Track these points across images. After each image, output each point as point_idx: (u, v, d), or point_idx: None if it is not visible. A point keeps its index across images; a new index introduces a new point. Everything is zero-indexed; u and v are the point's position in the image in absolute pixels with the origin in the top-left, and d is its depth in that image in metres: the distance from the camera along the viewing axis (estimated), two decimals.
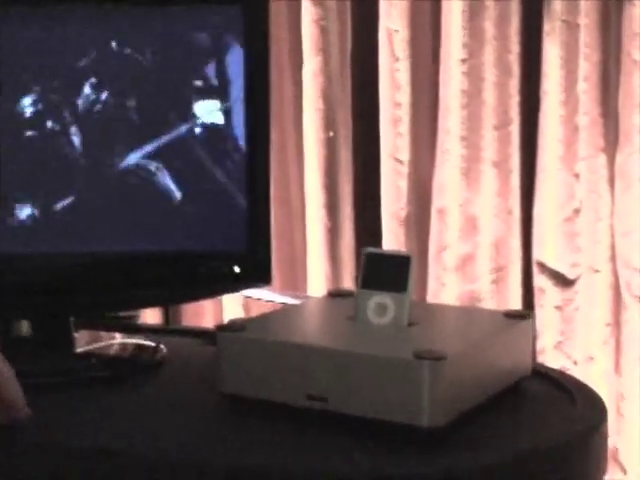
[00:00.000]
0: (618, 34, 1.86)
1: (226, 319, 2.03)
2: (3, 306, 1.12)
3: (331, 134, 2.00)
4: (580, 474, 0.88)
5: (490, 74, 1.93)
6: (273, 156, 1.21)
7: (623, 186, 1.88)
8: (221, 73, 1.15)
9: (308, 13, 1.97)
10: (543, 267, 1.96)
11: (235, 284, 1.20)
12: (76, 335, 1.17)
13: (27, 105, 1.09)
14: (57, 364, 1.10)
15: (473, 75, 1.92)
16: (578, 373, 1.84)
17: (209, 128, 1.14)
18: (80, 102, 1.10)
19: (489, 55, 1.92)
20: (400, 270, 0.97)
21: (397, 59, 1.97)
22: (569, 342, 1.96)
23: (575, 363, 1.96)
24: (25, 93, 1.09)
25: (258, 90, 1.18)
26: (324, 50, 1.98)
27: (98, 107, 1.10)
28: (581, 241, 1.94)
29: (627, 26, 1.83)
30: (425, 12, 1.99)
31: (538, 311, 1.95)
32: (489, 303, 1.97)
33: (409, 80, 1.97)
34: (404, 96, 1.97)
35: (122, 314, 1.31)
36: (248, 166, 1.17)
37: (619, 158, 1.87)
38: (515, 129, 1.95)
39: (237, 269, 1.17)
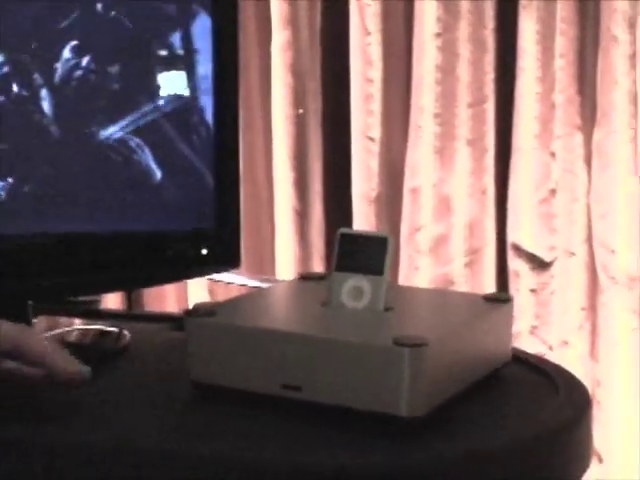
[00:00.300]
0: (596, 9, 1.85)
1: (190, 303, 2.00)
2: None
3: (301, 111, 1.98)
4: (565, 463, 0.86)
5: (465, 49, 1.91)
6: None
7: (600, 165, 1.87)
8: (187, 43, 1.12)
9: None
10: (518, 249, 1.95)
11: (202, 267, 1.18)
12: (35, 321, 1.14)
13: None
14: None
15: (447, 50, 1.91)
16: (553, 358, 1.83)
17: (176, 103, 1.11)
18: (58, 66, 1.06)
19: (464, 30, 1.91)
20: (377, 252, 0.95)
21: (369, 33, 1.95)
22: (545, 327, 1.96)
23: (550, 348, 1.96)
24: None
25: (226, 62, 1.15)
26: (293, 23, 1.96)
27: (77, 73, 1.07)
28: (557, 223, 1.93)
29: (606, 1, 1.82)
30: None
31: (513, 295, 1.94)
32: (463, 286, 1.96)
33: (381, 55, 1.95)
34: (376, 72, 1.96)
35: (83, 299, 1.28)
36: (216, 143, 1.14)
37: (597, 136, 1.86)
38: (490, 106, 1.94)
39: (205, 251, 1.14)
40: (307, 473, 0.76)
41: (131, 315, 1.36)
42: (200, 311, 0.90)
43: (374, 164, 1.98)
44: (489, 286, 1.97)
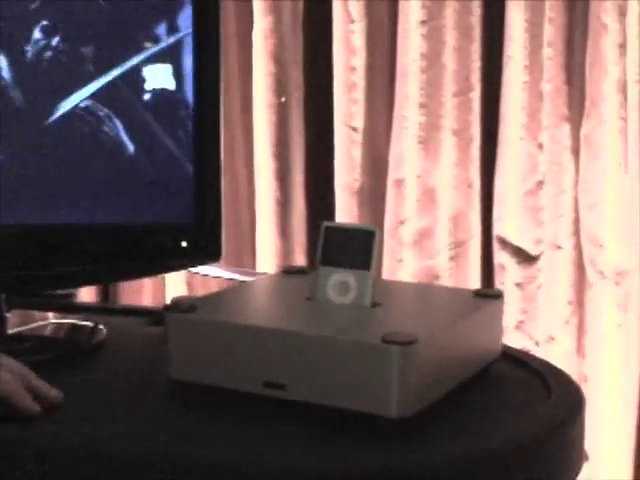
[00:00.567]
0: None
1: (168, 297, 1.98)
2: None
3: (283, 99, 1.96)
4: (558, 465, 0.85)
5: (451, 37, 1.89)
6: None
7: (589, 157, 1.85)
8: (171, 34, 1.10)
9: None
10: (504, 243, 1.93)
11: (182, 260, 1.16)
12: (8, 315, 1.12)
13: None
14: None
15: (433, 38, 1.88)
16: (539, 354, 1.82)
17: (158, 95, 1.09)
18: (29, 48, 1.03)
19: (450, 17, 1.88)
20: (363, 246, 0.93)
21: (352, 20, 1.92)
22: (531, 322, 1.94)
23: (537, 344, 1.94)
24: None
25: (208, 53, 1.14)
26: (275, 10, 1.93)
27: (47, 54, 1.04)
28: (544, 215, 1.91)
29: None
30: None
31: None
32: (447, 280, 1.94)
33: (365, 43, 1.93)
34: (359, 60, 1.93)
35: (58, 292, 1.26)
36: (197, 135, 1.13)
37: (585, 127, 1.85)
38: (476, 96, 1.92)
39: (184, 244, 1.12)
40: (290, 477, 0.74)
41: (107, 309, 1.34)
42: (180, 306, 0.88)
43: (357, 154, 1.96)
44: (474, 280, 1.95)
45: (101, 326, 1.14)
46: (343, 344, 0.80)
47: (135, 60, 1.09)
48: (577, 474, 0.88)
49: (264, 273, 1.75)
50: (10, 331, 1.11)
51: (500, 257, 1.94)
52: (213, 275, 1.58)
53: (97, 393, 0.92)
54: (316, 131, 2.02)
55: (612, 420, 1.87)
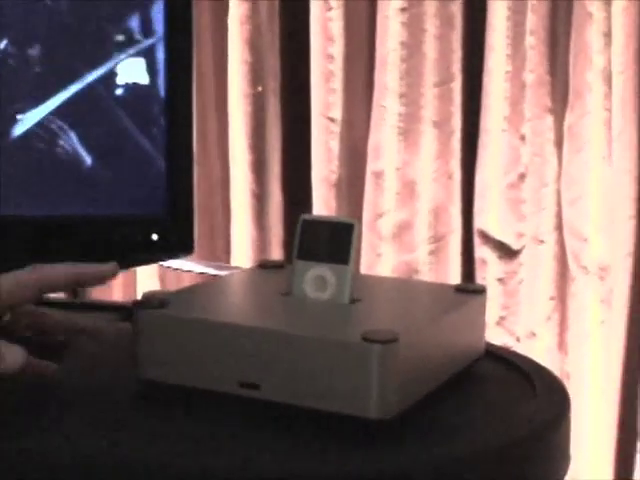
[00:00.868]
0: None
1: (140, 291, 1.95)
2: None
3: (259, 89, 1.94)
4: (544, 469, 0.83)
5: (431, 25, 1.87)
6: None
7: (572, 149, 1.84)
8: (144, 26, 1.07)
9: None
10: (485, 237, 1.92)
11: (153, 254, 1.13)
12: None
13: None
14: None
15: (413, 26, 1.86)
16: (521, 350, 1.80)
17: (127, 84, 1.07)
18: None
19: (430, 5, 1.87)
20: (341, 239, 0.90)
21: (330, 7, 1.90)
22: (512, 318, 1.93)
23: (518, 340, 1.93)
24: None
25: (180, 42, 1.11)
26: None
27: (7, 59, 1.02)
28: (526, 209, 1.90)
29: None
30: None
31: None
32: (427, 275, 1.93)
33: (343, 30, 1.91)
34: (337, 48, 1.91)
35: None
36: (168, 124, 1.10)
37: (569, 119, 1.83)
38: (457, 86, 1.90)
39: (155, 237, 1.10)
40: None
41: (74, 304, 1.31)
42: (150, 302, 0.85)
43: (335, 146, 1.94)
44: (454, 275, 1.94)
45: None
46: (321, 342, 0.77)
47: (107, 55, 1.06)
48: (563, 477, 0.85)
49: (239, 267, 1.73)
50: None
51: (481, 251, 1.92)
52: (186, 269, 1.56)
53: (62, 393, 0.89)
54: (293, 122, 2.00)
55: (594, 418, 1.86)
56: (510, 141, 1.87)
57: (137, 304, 0.86)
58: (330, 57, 1.92)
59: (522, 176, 1.89)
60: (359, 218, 1.93)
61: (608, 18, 1.76)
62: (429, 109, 1.90)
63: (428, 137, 1.90)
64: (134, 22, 1.08)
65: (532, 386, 0.92)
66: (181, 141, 1.13)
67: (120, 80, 1.07)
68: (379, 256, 1.92)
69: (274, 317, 0.86)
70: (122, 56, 1.06)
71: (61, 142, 1.05)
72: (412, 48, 1.87)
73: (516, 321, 1.93)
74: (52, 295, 1.47)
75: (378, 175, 1.92)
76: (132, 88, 1.07)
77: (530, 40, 1.84)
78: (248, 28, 1.93)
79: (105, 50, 1.05)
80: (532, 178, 1.88)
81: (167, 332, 0.83)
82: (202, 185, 1.98)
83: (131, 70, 1.07)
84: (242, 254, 1.98)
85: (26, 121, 1.03)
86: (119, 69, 1.06)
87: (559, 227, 1.88)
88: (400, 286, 1.09)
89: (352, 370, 0.76)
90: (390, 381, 0.76)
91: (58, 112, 1.04)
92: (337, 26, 1.91)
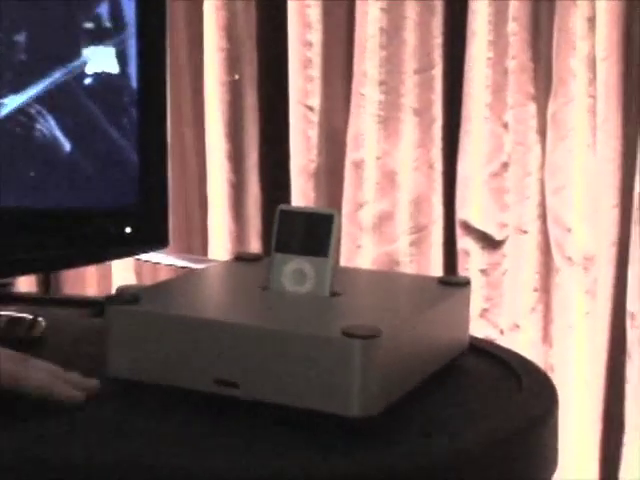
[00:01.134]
0: None
1: (114, 286, 1.93)
2: None
3: (236, 77, 1.91)
4: (532, 463, 0.81)
5: (412, 11, 1.85)
6: None
7: (556, 137, 1.82)
8: (114, 13, 1.05)
9: None
10: (468, 227, 1.90)
11: (126, 247, 1.11)
12: None
13: None
14: None
15: (393, 12, 1.84)
16: (504, 343, 1.79)
17: (99, 74, 1.04)
18: None
19: None
20: (321, 231, 0.89)
21: None
22: (496, 310, 1.92)
23: (502, 332, 1.92)
24: None
25: (153, 29, 1.09)
26: None
27: None
28: (509, 198, 1.88)
29: None
30: None
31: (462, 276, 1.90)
32: (408, 267, 1.91)
33: (321, 16, 1.88)
34: (315, 35, 1.89)
35: None
36: (141, 115, 1.08)
37: (552, 106, 1.81)
38: (438, 73, 1.88)
39: (128, 229, 1.08)
40: None
41: (47, 300, 1.29)
42: (122, 297, 0.84)
43: (313, 135, 1.92)
44: (436, 266, 1.92)
45: (40, 318, 1.09)
46: (300, 338, 0.76)
47: (76, 43, 1.04)
48: (552, 474, 0.84)
49: (216, 260, 1.71)
50: None
51: (463, 242, 1.91)
52: (162, 263, 1.53)
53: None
54: (271, 110, 1.97)
55: (579, 411, 1.85)
56: (492, 129, 1.86)
57: (109, 299, 0.84)
58: (308, 44, 1.89)
59: (505, 165, 1.87)
60: (338, 209, 1.91)
61: (592, 2, 1.74)
62: (409, 97, 1.88)
63: (409, 126, 1.88)
64: (104, 9, 1.05)
65: (518, 381, 0.91)
66: (154, 132, 1.11)
67: (89, 70, 1.04)
68: (359, 248, 1.91)
69: (252, 312, 0.84)
70: (91, 45, 1.04)
71: (33, 134, 1.03)
72: (392, 34, 1.85)
73: (499, 313, 1.91)
74: (23, 290, 1.45)
75: (358, 165, 1.90)
76: (102, 78, 1.05)
77: (512, 26, 1.82)
78: (224, 15, 1.90)
79: (74, 39, 1.03)
80: (515, 167, 1.86)
81: (139, 328, 0.81)
82: (177, 176, 1.96)
83: (100, 59, 1.05)
84: (219, 246, 1.96)
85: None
86: (88, 58, 1.04)
87: (543, 217, 1.86)
88: (382, 279, 1.07)
89: (333, 367, 0.74)
90: (372, 378, 0.74)
91: (28, 103, 1.02)
92: (315, 12, 1.88)
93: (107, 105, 1.06)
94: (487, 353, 0.99)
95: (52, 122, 1.03)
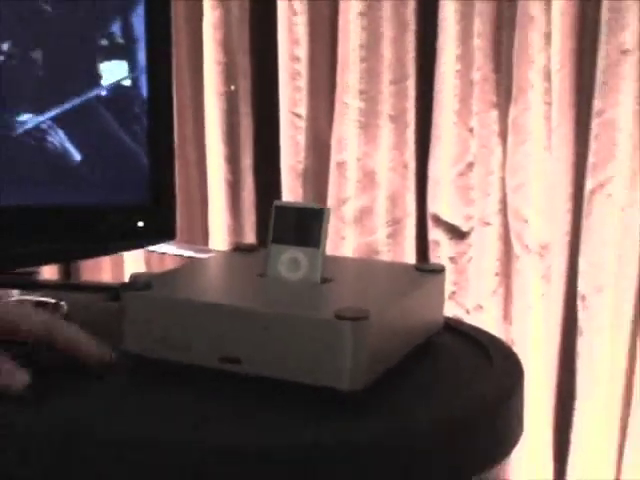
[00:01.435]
0: None
1: (127, 274, 1.91)
2: None
3: (232, 88, 1.90)
4: (502, 433, 0.80)
5: (387, 29, 1.84)
6: None
7: (516, 140, 1.82)
8: (126, 30, 1.03)
9: None
10: (438, 220, 1.89)
11: (138, 240, 1.10)
12: None
13: None
14: None
15: (371, 29, 1.83)
16: (470, 321, 1.79)
17: (113, 84, 1.03)
18: None
19: (387, 10, 1.83)
20: (312, 224, 0.87)
21: (296, 13, 1.86)
22: (462, 292, 1.91)
23: (467, 312, 1.91)
24: None
25: (160, 40, 1.08)
26: (223, 3, 1.87)
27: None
28: (474, 194, 1.88)
29: None
30: None
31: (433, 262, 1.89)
32: (386, 255, 1.90)
33: (307, 34, 1.87)
34: (302, 50, 1.88)
35: (20, 271, 1.19)
36: (151, 119, 1.07)
37: (513, 112, 1.81)
38: (411, 84, 1.87)
39: (141, 224, 1.06)
40: (244, 450, 0.68)
41: (69, 286, 1.27)
42: (136, 284, 0.82)
43: (301, 139, 1.91)
44: (410, 255, 1.91)
45: (62, 302, 1.08)
46: (297, 320, 0.75)
47: (92, 59, 1.02)
48: (516, 443, 0.83)
49: (216, 250, 1.70)
50: None
51: (434, 233, 1.90)
52: (169, 253, 1.52)
53: (57, 368, 0.86)
54: (263, 117, 1.96)
55: (535, 380, 1.85)
56: (460, 133, 1.85)
57: (124, 286, 0.82)
58: (296, 58, 1.88)
59: (470, 165, 1.86)
60: (324, 204, 1.90)
61: (548, 20, 1.73)
62: (386, 105, 1.87)
63: (385, 130, 1.87)
64: (116, 27, 1.04)
65: (488, 356, 0.90)
66: (163, 136, 1.10)
67: (104, 82, 1.03)
68: (343, 239, 1.90)
69: (253, 296, 0.83)
70: (105, 60, 1.03)
71: (52, 140, 1.01)
72: (370, 50, 1.84)
73: (465, 295, 1.91)
74: (47, 277, 1.44)
75: (341, 165, 1.89)
76: (115, 90, 1.04)
77: (477, 41, 1.81)
78: (221, 32, 1.89)
79: (90, 55, 1.01)
80: (479, 167, 1.86)
81: (152, 311, 0.80)
82: (181, 176, 1.95)
83: (114, 73, 1.04)
84: (219, 238, 1.94)
85: (20, 122, 0.99)
86: (103, 72, 1.03)
87: (504, 211, 1.86)
88: (366, 266, 1.06)
89: (326, 345, 0.73)
90: (361, 355, 0.73)
91: (47, 119, 1.00)
92: (302, 30, 1.87)
93: (120, 114, 1.05)
94: (459, 332, 0.98)
95: (71, 130, 1.02)
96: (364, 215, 1.90)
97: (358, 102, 1.85)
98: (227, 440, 0.68)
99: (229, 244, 1.92)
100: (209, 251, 1.71)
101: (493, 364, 0.87)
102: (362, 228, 1.90)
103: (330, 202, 1.90)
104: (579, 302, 1.80)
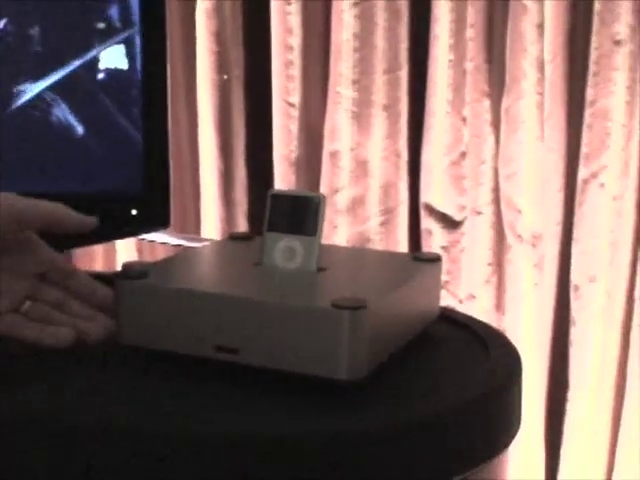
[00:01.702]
0: None
1: (119, 263, 1.90)
2: None
3: (225, 76, 1.88)
4: (499, 425, 0.79)
5: (381, 18, 1.82)
6: None
7: (509, 130, 1.80)
8: (123, 16, 1.02)
9: None
10: (430, 209, 1.88)
11: (132, 228, 1.08)
12: None
13: None
14: None
15: (364, 19, 1.81)
16: (462, 310, 1.78)
17: (109, 70, 1.01)
18: None
19: None
20: (308, 212, 0.86)
21: (289, 2, 1.85)
22: (455, 282, 1.90)
23: (460, 302, 1.90)
24: None
25: (154, 29, 1.06)
26: None
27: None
28: (467, 184, 1.86)
29: None
30: None
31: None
32: (378, 244, 1.89)
33: (301, 23, 1.85)
34: (296, 39, 1.86)
35: None
36: (145, 108, 1.05)
37: (505, 102, 1.79)
38: (404, 73, 1.85)
39: (134, 212, 1.05)
40: (241, 441, 0.67)
41: None
42: (131, 272, 0.81)
43: (294, 128, 1.89)
44: (403, 244, 1.90)
45: None
46: (294, 309, 0.73)
47: (89, 43, 1.01)
48: (514, 436, 0.82)
49: (209, 239, 1.68)
50: None
51: (427, 223, 1.89)
52: (161, 242, 1.50)
53: (47, 357, 0.84)
54: (256, 106, 1.94)
55: (527, 370, 1.83)
56: (452, 123, 1.83)
57: (119, 275, 0.81)
58: (289, 48, 1.86)
59: (463, 154, 1.85)
60: None
61: (541, 11, 1.72)
62: (379, 94, 1.85)
63: (378, 120, 1.86)
64: (113, 12, 1.02)
65: (484, 345, 0.89)
66: (157, 124, 1.09)
67: (102, 66, 1.01)
68: (335, 228, 1.88)
69: (249, 285, 0.82)
70: (103, 44, 1.01)
71: (46, 125, 1.00)
72: (364, 39, 1.82)
73: (458, 285, 1.90)
74: None
75: (334, 155, 1.87)
76: (113, 73, 1.02)
77: (470, 32, 1.79)
78: (214, 21, 1.87)
79: (87, 38, 1.00)
80: (472, 156, 1.84)
81: (147, 300, 0.79)
82: (174, 165, 1.93)
83: (111, 56, 1.02)
84: (211, 227, 1.93)
85: (17, 98, 0.98)
86: (101, 56, 1.01)
87: (496, 200, 1.85)
88: (362, 255, 1.05)
89: (323, 335, 0.72)
90: (358, 345, 0.72)
91: (42, 96, 0.98)
92: (296, 19, 1.85)
93: (117, 99, 1.03)
94: (455, 321, 0.97)
95: (66, 114, 1.00)
96: (357, 204, 1.88)
97: (351, 91, 1.84)
98: (221, 430, 0.67)
99: (221, 233, 1.91)
100: (201, 240, 1.70)
101: (490, 354, 0.86)
102: (355, 217, 1.89)
103: (323, 191, 1.88)
104: (572, 291, 1.80)
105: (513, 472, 1.88)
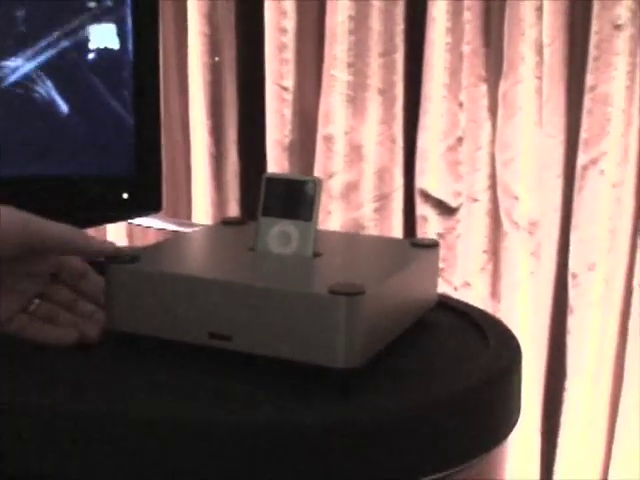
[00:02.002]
0: None
1: None
2: None
3: (217, 59, 1.87)
4: (499, 414, 0.78)
5: (377, 0, 1.80)
6: None
7: (506, 115, 1.79)
8: None
9: None
10: (426, 195, 1.87)
11: (123, 212, 1.07)
12: None
13: None
14: None
15: (360, 1, 1.80)
16: (458, 298, 1.77)
17: (100, 51, 1.00)
18: None
19: None
20: (304, 196, 0.85)
21: None
22: (450, 269, 1.89)
23: (455, 289, 1.89)
24: None
25: (146, 7, 1.05)
26: None
27: None
28: (463, 170, 1.85)
29: None
30: None
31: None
32: (372, 230, 1.88)
33: (295, 5, 1.84)
34: (290, 21, 1.84)
35: None
36: (137, 91, 1.04)
37: (503, 86, 1.78)
38: (400, 57, 1.84)
39: (125, 195, 1.04)
40: (233, 430, 0.66)
41: None
42: (122, 257, 0.79)
43: (288, 112, 1.88)
44: (397, 230, 1.89)
45: None
46: (289, 295, 0.72)
47: (78, 21, 0.99)
48: (514, 425, 0.81)
49: (201, 224, 1.67)
50: None
51: (422, 209, 1.88)
52: (154, 227, 1.49)
53: (40, 345, 0.83)
54: (248, 89, 1.93)
55: (523, 359, 1.83)
56: (449, 107, 1.82)
57: (109, 259, 0.80)
58: (283, 30, 1.85)
59: (459, 140, 1.84)
60: None
61: None
62: (375, 78, 1.84)
63: (374, 104, 1.85)
64: None
65: (483, 333, 0.88)
66: (149, 106, 1.07)
67: (92, 45, 1.00)
68: (329, 213, 1.87)
69: (243, 271, 0.80)
70: (93, 22, 1.00)
71: (35, 106, 0.98)
72: (359, 21, 1.81)
73: (453, 272, 1.89)
74: None
75: (328, 139, 1.86)
76: (104, 53, 1.01)
77: (467, 15, 1.78)
78: (206, 3, 1.85)
79: (77, 14, 0.98)
80: (468, 141, 1.83)
81: (139, 286, 0.77)
82: (166, 148, 1.91)
83: (103, 36, 1.01)
84: (202, 211, 1.92)
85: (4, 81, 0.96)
86: (91, 35, 1.00)
87: (493, 186, 1.84)
88: (357, 241, 1.04)
89: (320, 322, 0.71)
90: (356, 332, 0.71)
91: (32, 74, 0.97)
92: (290, 1, 1.84)
93: (108, 80, 1.02)
94: (452, 308, 0.96)
95: (57, 93, 0.99)
96: (351, 190, 1.87)
97: (346, 75, 1.82)
98: (214, 418, 0.66)
99: (212, 218, 1.89)
100: (193, 225, 1.69)
101: (489, 342, 0.85)
102: (349, 203, 1.87)
103: (317, 176, 1.87)
104: (569, 280, 1.79)
105: (510, 460, 1.88)
